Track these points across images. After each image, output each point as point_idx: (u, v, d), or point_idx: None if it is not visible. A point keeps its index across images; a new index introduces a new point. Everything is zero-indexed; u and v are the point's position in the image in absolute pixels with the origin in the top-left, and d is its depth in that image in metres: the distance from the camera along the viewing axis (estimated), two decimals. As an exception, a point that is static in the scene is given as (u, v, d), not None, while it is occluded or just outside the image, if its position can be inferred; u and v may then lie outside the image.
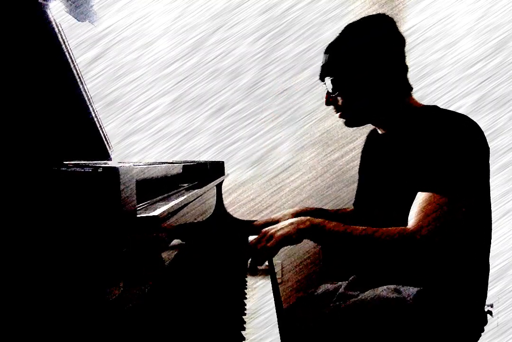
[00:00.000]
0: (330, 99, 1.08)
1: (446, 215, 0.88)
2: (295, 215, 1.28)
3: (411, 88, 1.06)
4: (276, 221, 1.27)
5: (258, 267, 1.06)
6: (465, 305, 0.98)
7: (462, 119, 0.94)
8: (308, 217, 0.98)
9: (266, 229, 1.02)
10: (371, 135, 1.24)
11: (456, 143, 0.91)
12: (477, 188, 0.94)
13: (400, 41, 1.03)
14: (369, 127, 1.19)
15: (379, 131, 1.14)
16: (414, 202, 0.92)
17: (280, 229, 0.97)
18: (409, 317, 0.93)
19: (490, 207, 0.99)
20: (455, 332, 0.96)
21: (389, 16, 1.04)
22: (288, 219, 1.25)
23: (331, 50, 1.06)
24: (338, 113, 1.09)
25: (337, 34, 1.07)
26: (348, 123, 1.10)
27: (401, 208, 0.98)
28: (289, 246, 0.98)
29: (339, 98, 1.06)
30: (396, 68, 1.02)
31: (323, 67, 1.07)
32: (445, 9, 1.96)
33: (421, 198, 0.91)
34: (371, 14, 1.06)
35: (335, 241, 0.95)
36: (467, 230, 0.93)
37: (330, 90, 1.07)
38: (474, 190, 0.93)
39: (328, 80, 1.06)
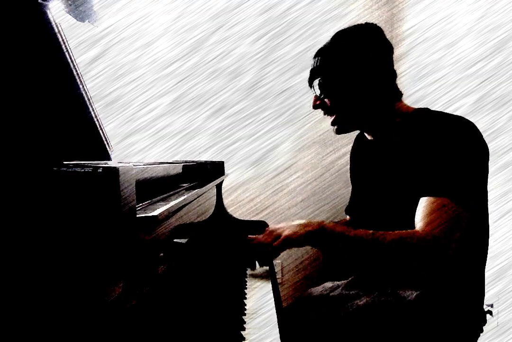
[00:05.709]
0: (317, 102, 1.08)
1: (453, 216, 0.87)
2: None
3: (401, 94, 1.07)
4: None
5: (257, 266, 1.06)
6: (463, 306, 0.97)
7: (457, 120, 0.94)
8: (318, 220, 0.97)
9: (273, 227, 1.01)
10: (359, 141, 1.24)
11: (454, 144, 0.90)
12: (479, 188, 0.94)
13: (387, 48, 1.04)
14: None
15: (368, 137, 1.14)
16: (419, 207, 0.91)
17: (287, 228, 0.97)
18: (406, 321, 0.94)
19: (487, 208, 0.99)
20: (453, 333, 0.96)
21: (377, 25, 1.06)
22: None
23: (321, 54, 1.07)
24: (331, 121, 1.09)
25: (328, 40, 1.07)
26: (338, 130, 1.10)
27: (397, 213, 0.98)
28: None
29: (326, 100, 1.07)
30: (384, 74, 1.03)
31: (312, 70, 1.08)
32: (445, 9, 1.96)
33: (426, 202, 0.90)
34: (361, 22, 1.07)
35: (343, 245, 0.93)
36: (467, 231, 0.93)
37: (318, 93, 1.07)
38: (477, 191, 0.93)
39: (316, 82, 1.07)
